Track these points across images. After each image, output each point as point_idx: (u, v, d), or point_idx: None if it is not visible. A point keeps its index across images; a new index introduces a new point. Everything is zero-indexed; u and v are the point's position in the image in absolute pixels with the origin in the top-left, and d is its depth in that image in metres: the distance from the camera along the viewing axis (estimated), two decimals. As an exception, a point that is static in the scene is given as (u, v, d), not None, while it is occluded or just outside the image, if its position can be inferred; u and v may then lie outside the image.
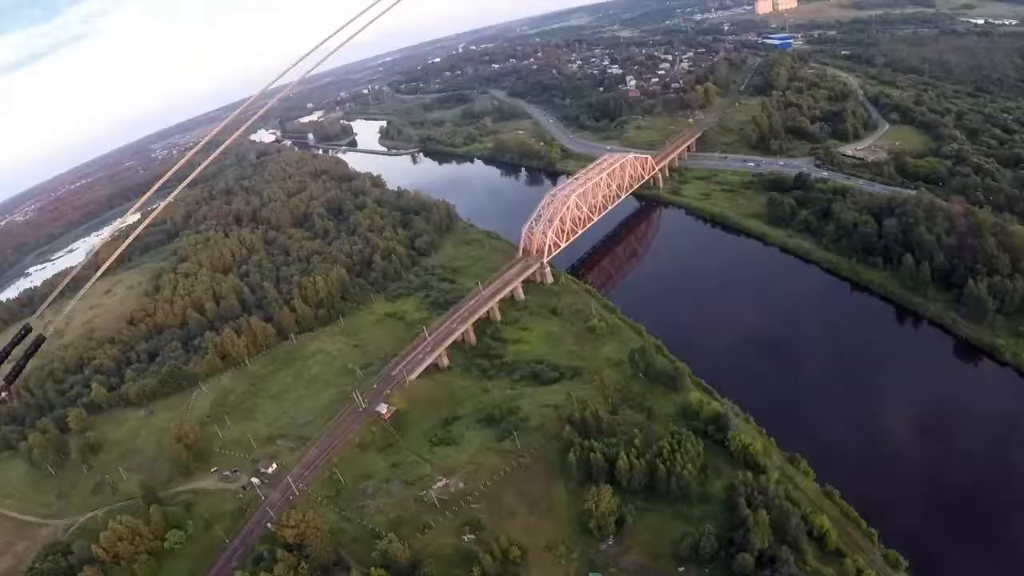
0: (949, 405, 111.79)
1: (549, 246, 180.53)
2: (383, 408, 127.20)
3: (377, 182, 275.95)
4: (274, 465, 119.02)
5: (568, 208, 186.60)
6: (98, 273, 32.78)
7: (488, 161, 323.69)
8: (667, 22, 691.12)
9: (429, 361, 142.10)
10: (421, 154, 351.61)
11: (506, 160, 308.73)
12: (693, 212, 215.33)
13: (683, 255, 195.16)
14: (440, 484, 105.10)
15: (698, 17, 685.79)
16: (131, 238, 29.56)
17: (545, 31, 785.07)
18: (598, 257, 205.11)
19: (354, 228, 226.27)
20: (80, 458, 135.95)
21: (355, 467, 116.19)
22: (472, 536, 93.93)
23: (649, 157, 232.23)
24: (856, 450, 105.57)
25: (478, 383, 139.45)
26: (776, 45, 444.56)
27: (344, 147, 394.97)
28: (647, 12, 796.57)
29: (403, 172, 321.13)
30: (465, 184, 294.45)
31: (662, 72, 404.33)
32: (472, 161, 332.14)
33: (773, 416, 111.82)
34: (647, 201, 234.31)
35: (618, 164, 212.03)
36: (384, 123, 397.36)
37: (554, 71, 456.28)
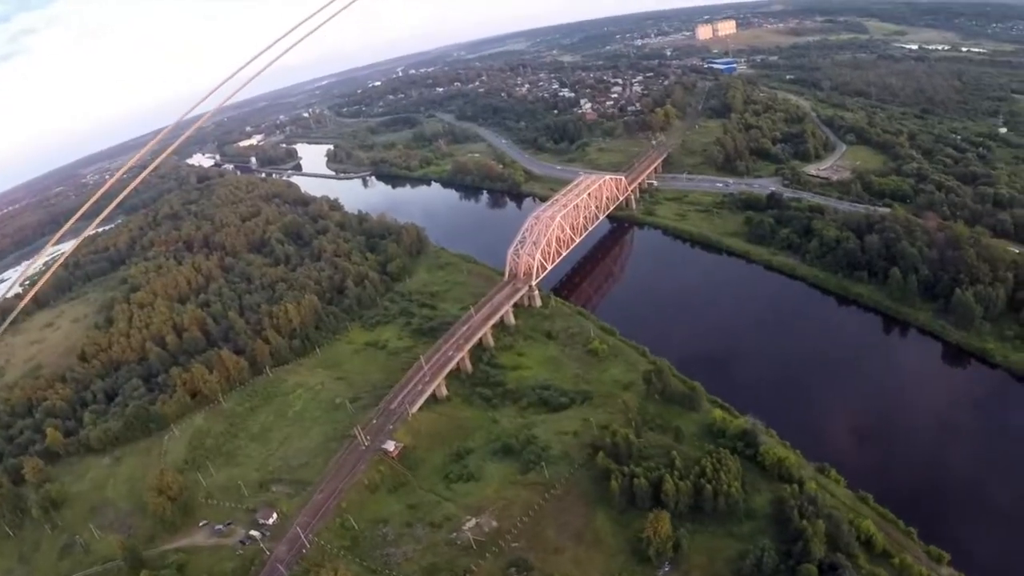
0: (952, 406, 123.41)
1: (537, 269, 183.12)
2: (390, 445, 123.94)
3: (335, 206, 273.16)
4: (274, 515, 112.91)
5: (553, 230, 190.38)
6: (21, 303, 32.34)
7: (446, 184, 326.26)
8: (608, 47, 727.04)
9: (429, 392, 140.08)
10: (373, 177, 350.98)
11: (466, 183, 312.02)
12: (671, 232, 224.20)
13: (668, 275, 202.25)
14: (470, 524, 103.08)
15: (639, 43, 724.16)
16: (55, 266, 30.02)
17: (484, 56, 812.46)
18: (579, 279, 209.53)
19: (319, 253, 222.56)
20: (41, 515, 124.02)
21: (368, 511, 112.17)
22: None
23: (622, 178, 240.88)
24: (875, 452, 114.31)
25: (484, 413, 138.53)
26: (721, 70, 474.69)
27: (289, 171, 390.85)
28: (587, 38, 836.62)
29: (355, 196, 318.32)
30: (425, 207, 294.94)
31: (615, 95, 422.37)
32: (429, 184, 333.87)
33: (790, 428, 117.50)
34: (621, 222, 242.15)
35: (596, 185, 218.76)
36: (331, 146, 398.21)
37: (503, 94, 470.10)
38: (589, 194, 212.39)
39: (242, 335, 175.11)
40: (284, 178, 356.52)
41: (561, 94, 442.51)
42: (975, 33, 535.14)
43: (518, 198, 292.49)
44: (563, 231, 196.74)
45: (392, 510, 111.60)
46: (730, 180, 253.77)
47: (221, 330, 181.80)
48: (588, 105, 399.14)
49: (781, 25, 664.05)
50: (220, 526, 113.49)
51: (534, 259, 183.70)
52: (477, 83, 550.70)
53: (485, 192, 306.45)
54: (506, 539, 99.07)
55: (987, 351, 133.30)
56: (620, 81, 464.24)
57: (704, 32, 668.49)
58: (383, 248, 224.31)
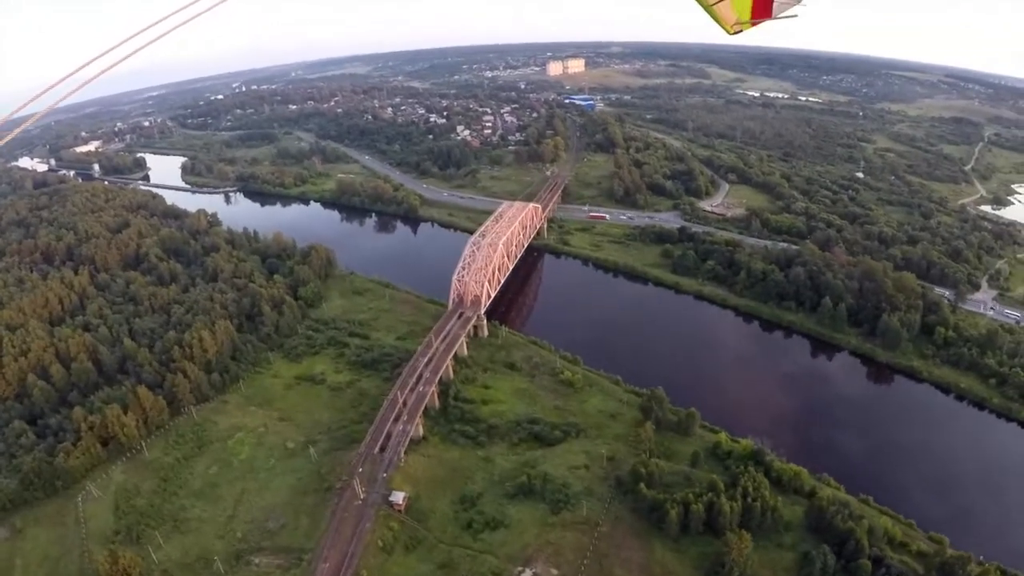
0: (897, 414, 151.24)
1: (484, 296, 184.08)
2: (397, 496, 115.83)
3: (214, 221, 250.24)
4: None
5: (497, 257, 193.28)
6: None
7: (328, 204, 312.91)
8: (456, 77, 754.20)
9: (411, 432, 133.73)
10: (240, 194, 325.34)
11: (353, 204, 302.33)
12: (593, 262, 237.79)
13: (600, 303, 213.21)
14: (526, 572, 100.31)
15: (489, 74, 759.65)
16: None
17: (326, 77, 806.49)
18: (507, 308, 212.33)
19: (214, 273, 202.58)
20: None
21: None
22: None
23: (539, 207, 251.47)
24: (849, 451, 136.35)
25: (472, 452, 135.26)
26: (582, 106, 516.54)
27: (139, 181, 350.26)
28: (433, 66, 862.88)
29: (219, 213, 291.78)
30: (307, 229, 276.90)
31: (488, 123, 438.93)
32: (307, 203, 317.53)
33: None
34: (539, 251, 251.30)
35: (523, 213, 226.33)
36: (184, 158, 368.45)
37: (367, 116, 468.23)
38: (520, 221, 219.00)
39: (146, 366, 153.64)
40: (133, 188, 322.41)
41: (432, 119, 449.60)
42: (809, 84, 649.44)
43: (413, 223, 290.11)
44: (502, 258, 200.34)
45: (420, 572, 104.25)
46: (631, 213, 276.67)
47: (115, 359, 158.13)
48: (466, 132, 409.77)
49: (628, 66, 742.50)
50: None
51: (482, 287, 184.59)
52: (332, 103, 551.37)
53: (374, 215, 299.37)
54: None
55: (914, 368, 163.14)
56: (489, 110, 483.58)
57: (555, 68, 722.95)
58: (286, 270, 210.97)
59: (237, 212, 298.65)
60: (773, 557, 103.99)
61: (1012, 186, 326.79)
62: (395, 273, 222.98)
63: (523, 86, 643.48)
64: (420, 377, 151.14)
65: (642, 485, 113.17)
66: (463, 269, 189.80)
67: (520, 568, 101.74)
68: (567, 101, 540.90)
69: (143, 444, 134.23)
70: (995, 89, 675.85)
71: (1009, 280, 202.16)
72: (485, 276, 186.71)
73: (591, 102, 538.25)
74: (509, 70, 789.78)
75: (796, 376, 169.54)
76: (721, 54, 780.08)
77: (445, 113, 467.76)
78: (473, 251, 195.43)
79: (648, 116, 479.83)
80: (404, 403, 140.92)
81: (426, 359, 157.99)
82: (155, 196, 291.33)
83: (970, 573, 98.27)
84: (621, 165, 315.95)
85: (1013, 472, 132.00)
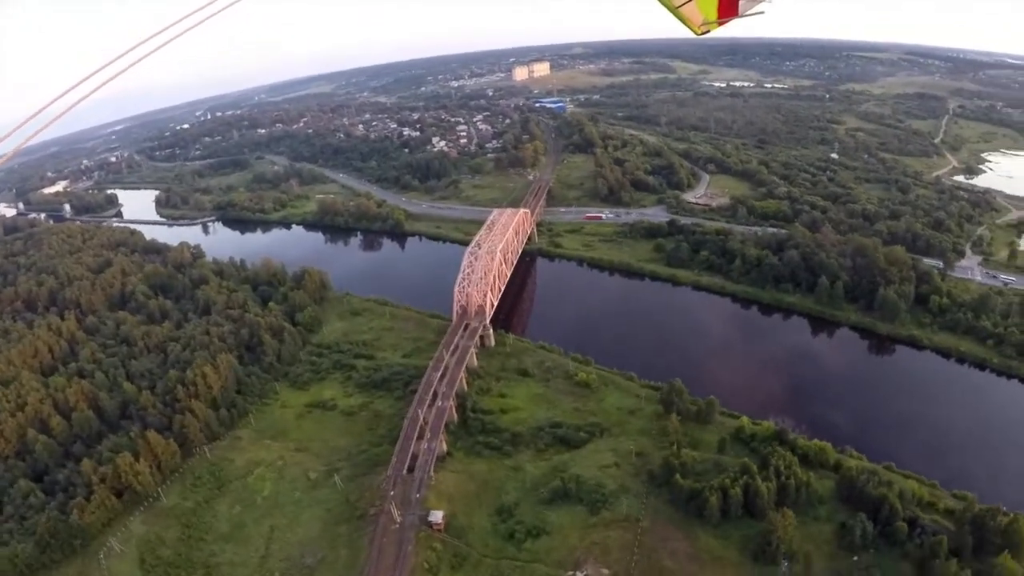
0: (904, 382, 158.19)
1: (488, 306, 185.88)
2: (436, 516, 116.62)
3: (198, 253, 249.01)
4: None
5: (496, 265, 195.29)
6: None
7: (311, 226, 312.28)
8: (423, 89, 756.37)
9: (437, 449, 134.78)
10: (219, 223, 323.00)
11: (337, 224, 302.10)
12: (588, 262, 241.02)
13: (602, 301, 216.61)
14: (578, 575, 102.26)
15: (455, 84, 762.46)
16: None
17: (290, 98, 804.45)
18: (509, 314, 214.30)
19: (206, 307, 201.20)
20: None
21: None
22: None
23: (528, 212, 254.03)
24: (863, 422, 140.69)
25: (499, 462, 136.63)
26: (552, 108, 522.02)
27: (112, 218, 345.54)
28: (398, 80, 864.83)
29: (200, 244, 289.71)
30: (293, 253, 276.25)
31: (463, 133, 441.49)
32: (289, 227, 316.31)
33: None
34: (532, 255, 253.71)
35: (515, 219, 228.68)
36: (158, 191, 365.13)
37: (340, 134, 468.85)
38: (513, 228, 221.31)
39: (150, 409, 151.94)
40: (109, 226, 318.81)
41: (406, 132, 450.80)
42: (773, 71, 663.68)
43: (400, 238, 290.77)
44: (500, 266, 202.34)
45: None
46: (619, 211, 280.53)
47: (116, 405, 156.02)
48: (442, 143, 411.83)
49: (593, 66, 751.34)
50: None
51: (485, 296, 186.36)
52: (301, 124, 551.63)
53: (360, 234, 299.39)
54: None
55: (915, 337, 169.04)
56: (462, 120, 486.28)
57: (521, 73, 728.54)
58: (280, 297, 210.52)
59: (218, 242, 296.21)
60: (812, 531, 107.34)
61: (982, 155, 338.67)
62: (390, 290, 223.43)
63: (491, 93, 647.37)
64: (436, 393, 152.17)
65: (677, 476, 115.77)
66: (464, 280, 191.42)
67: (571, 572, 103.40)
68: (537, 105, 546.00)
69: (159, 491, 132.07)
70: (954, 63, 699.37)
71: (992, 245, 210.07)
72: (487, 285, 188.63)
73: (561, 104, 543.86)
74: (475, 78, 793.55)
75: (803, 354, 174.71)
76: (684, 48, 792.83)
77: (418, 125, 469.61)
78: (472, 261, 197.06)
79: (619, 114, 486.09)
80: (425, 420, 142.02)
81: (439, 374, 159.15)
82: (133, 232, 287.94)
83: (1000, 523, 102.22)
84: (602, 164, 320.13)
85: (1020, 426, 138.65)
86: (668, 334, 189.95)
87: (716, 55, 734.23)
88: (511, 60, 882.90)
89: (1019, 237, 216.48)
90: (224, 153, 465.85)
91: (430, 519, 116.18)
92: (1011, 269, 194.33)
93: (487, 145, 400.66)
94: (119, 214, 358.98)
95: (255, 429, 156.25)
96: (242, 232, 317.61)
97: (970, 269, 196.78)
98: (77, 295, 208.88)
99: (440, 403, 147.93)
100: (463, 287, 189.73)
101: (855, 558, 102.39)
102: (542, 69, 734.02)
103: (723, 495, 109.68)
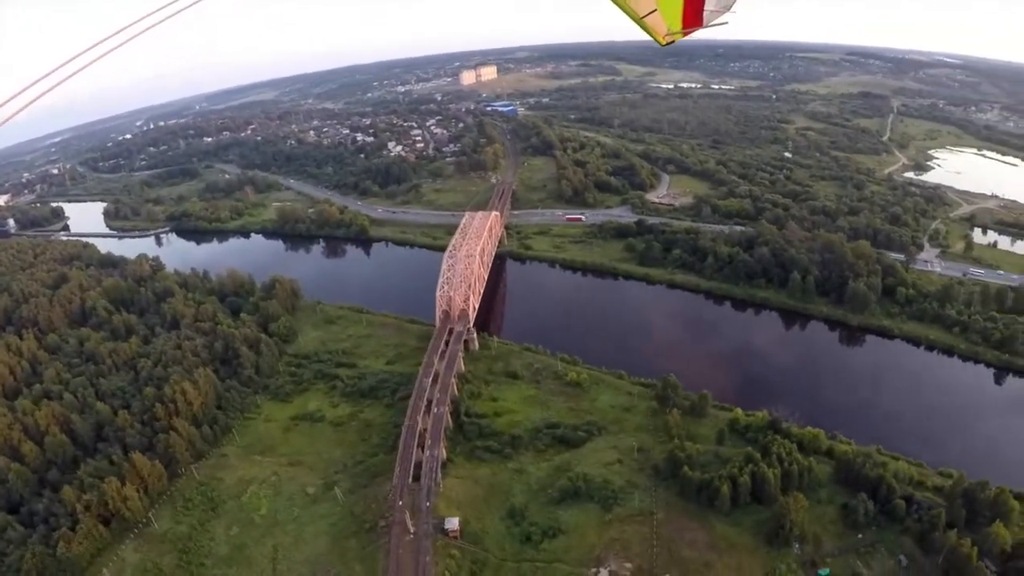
0: (878, 367, 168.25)
1: (471, 309, 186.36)
2: (453, 522, 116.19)
3: (158, 265, 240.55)
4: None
5: (476, 268, 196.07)
6: None
7: (271, 235, 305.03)
8: (369, 94, 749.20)
9: (439, 455, 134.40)
10: (172, 234, 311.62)
11: (298, 232, 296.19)
12: (560, 263, 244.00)
13: (578, 301, 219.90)
14: (602, 572, 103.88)
15: (402, 89, 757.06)
16: None
17: (232, 106, 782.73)
18: (486, 316, 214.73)
19: (174, 320, 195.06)
20: None
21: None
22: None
23: (498, 214, 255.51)
24: (845, 410, 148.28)
25: (502, 465, 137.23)
26: (503, 112, 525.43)
27: (60, 232, 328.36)
28: (343, 85, 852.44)
29: (155, 256, 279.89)
30: (253, 262, 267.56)
31: (418, 137, 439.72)
32: (248, 236, 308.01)
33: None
34: (500, 258, 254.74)
35: (488, 221, 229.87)
36: (107, 203, 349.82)
37: (291, 141, 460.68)
38: (488, 231, 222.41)
39: (129, 430, 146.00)
40: (57, 239, 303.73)
41: (360, 138, 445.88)
42: (718, 72, 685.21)
43: (365, 244, 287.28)
44: (479, 268, 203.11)
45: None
46: (585, 212, 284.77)
47: (90, 427, 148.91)
48: (399, 148, 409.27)
49: (540, 69, 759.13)
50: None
51: (467, 299, 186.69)
52: (249, 131, 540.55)
53: (322, 241, 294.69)
54: (655, 574, 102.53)
55: (885, 327, 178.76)
56: (415, 124, 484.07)
57: (468, 77, 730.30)
58: (252, 307, 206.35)
59: (173, 253, 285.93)
60: (817, 513, 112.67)
61: (929, 152, 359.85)
62: (361, 297, 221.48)
63: (440, 98, 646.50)
64: (430, 399, 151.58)
65: (686, 468, 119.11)
66: (446, 284, 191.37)
67: (594, 569, 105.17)
68: (488, 108, 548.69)
69: (149, 516, 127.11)
70: (895, 63, 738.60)
71: (947, 238, 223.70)
72: (469, 288, 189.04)
73: (512, 108, 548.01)
74: (422, 83, 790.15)
75: (780, 347, 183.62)
76: (629, 50, 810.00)
77: (371, 131, 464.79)
78: (452, 264, 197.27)
79: (571, 116, 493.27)
80: (423, 428, 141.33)
81: (431, 379, 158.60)
82: (86, 245, 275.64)
83: (989, 496, 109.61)
84: (564, 166, 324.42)
85: (990, 406, 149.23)
86: (647, 332, 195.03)
87: (661, 57, 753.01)
88: (456, 64, 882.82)
89: (972, 230, 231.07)
90: (171, 162, 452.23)
91: (446, 526, 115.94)
92: (968, 260, 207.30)
93: (444, 149, 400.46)
94: (66, 227, 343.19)
95: (240, 445, 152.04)
96: (198, 243, 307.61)
97: (929, 262, 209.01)
98: (35, 312, 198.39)
99: (437, 409, 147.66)
100: (445, 291, 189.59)
101: (859, 536, 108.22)
102: (489, 73, 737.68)
103: (733, 484, 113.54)
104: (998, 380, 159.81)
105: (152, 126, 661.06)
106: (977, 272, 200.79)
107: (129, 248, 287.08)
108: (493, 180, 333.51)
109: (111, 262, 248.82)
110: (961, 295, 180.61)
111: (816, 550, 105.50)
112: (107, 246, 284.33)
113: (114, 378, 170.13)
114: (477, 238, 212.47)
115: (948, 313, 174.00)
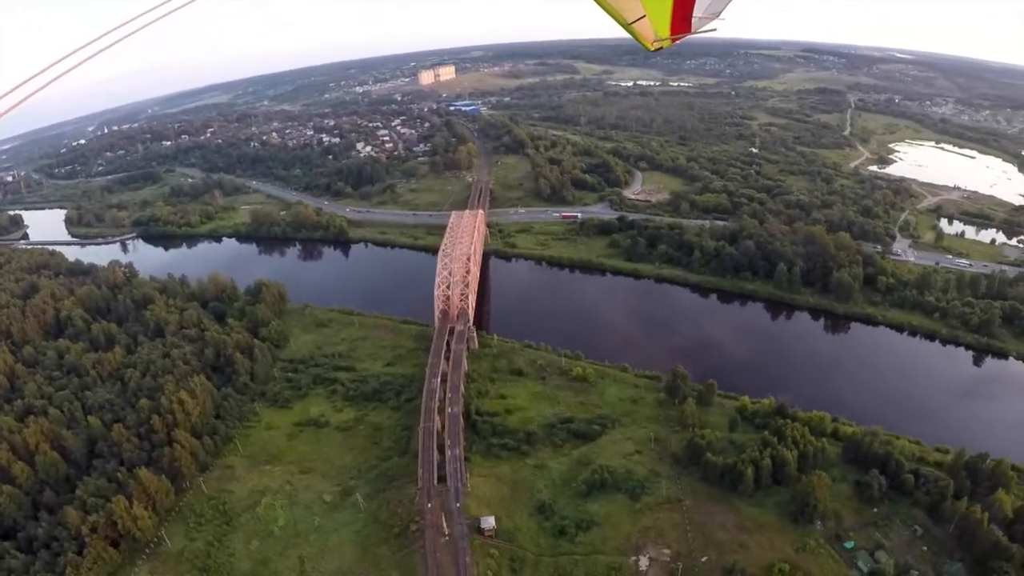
0: (867, 352, 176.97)
1: (470, 308, 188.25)
2: (489, 521, 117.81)
3: (131, 271, 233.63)
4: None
5: (472, 267, 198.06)
6: None
7: (244, 238, 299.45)
8: (327, 95, 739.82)
9: (460, 455, 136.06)
10: (139, 240, 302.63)
11: (273, 235, 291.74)
12: (546, 260, 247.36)
13: (568, 301, 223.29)
14: (643, 562, 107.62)
15: (359, 89, 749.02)
16: None
17: (186, 109, 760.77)
18: (479, 317, 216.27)
19: (157, 327, 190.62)
20: None
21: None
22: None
23: (483, 213, 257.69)
24: (841, 394, 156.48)
25: (521, 462, 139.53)
26: (467, 111, 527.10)
27: (20, 241, 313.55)
28: (298, 87, 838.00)
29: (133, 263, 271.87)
30: (227, 267, 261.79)
31: (386, 138, 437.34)
32: (219, 240, 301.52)
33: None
34: (486, 256, 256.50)
35: (475, 220, 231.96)
36: (69, 210, 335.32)
37: (254, 143, 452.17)
38: (478, 230, 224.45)
39: (126, 444, 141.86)
40: (18, 248, 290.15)
41: (326, 139, 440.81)
42: (675, 70, 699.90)
43: (344, 245, 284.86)
44: (473, 267, 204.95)
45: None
46: (564, 209, 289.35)
47: (83, 443, 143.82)
48: (368, 148, 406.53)
49: (498, 68, 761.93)
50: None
51: (465, 298, 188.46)
52: (208, 134, 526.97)
53: (298, 243, 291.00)
54: (694, 557, 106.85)
55: (869, 315, 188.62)
56: (381, 124, 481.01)
57: (427, 77, 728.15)
58: (238, 312, 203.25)
59: (142, 259, 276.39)
60: (833, 491, 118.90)
61: (890, 146, 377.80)
62: (347, 298, 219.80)
63: (400, 98, 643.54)
64: (443, 399, 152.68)
65: (708, 455, 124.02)
66: (443, 283, 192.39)
67: (634, 557, 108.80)
68: (451, 108, 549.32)
69: (160, 534, 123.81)
70: (848, 59, 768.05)
71: (917, 229, 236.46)
72: (467, 287, 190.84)
73: (475, 107, 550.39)
74: (380, 84, 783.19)
75: (771, 336, 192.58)
76: (586, 48, 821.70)
77: (337, 132, 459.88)
78: (447, 264, 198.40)
79: (536, 115, 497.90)
80: (441, 428, 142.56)
81: (439, 380, 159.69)
82: (53, 253, 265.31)
83: (989, 467, 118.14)
84: (539, 165, 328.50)
85: (974, 387, 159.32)
86: (641, 326, 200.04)
87: (617, 55, 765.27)
88: (412, 64, 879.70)
89: (939, 220, 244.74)
90: (131, 167, 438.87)
91: (482, 526, 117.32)
92: (938, 250, 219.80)
93: (415, 149, 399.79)
94: (26, 236, 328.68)
95: (245, 455, 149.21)
96: (166, 248, 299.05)
97: (903, 251, 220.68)
98: (7, 324, 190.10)
99: (451, 409, 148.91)
100: (443, 290, 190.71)
101: (875, 510, 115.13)
102: (448, 73, 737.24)
103: (755, 467, 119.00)
104: (976, 362, 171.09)
105: (107, 130, 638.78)
106: (962, 262, 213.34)
107: (94, 255, 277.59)
108: (469, 179, 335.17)
109: (81, 270, 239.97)
110: (938, 283, 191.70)
111: (838, 525, 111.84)
112: (71, 254, 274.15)
113: (100, 391, 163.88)
114: (468, 237, 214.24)
115: (928, 300, 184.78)
